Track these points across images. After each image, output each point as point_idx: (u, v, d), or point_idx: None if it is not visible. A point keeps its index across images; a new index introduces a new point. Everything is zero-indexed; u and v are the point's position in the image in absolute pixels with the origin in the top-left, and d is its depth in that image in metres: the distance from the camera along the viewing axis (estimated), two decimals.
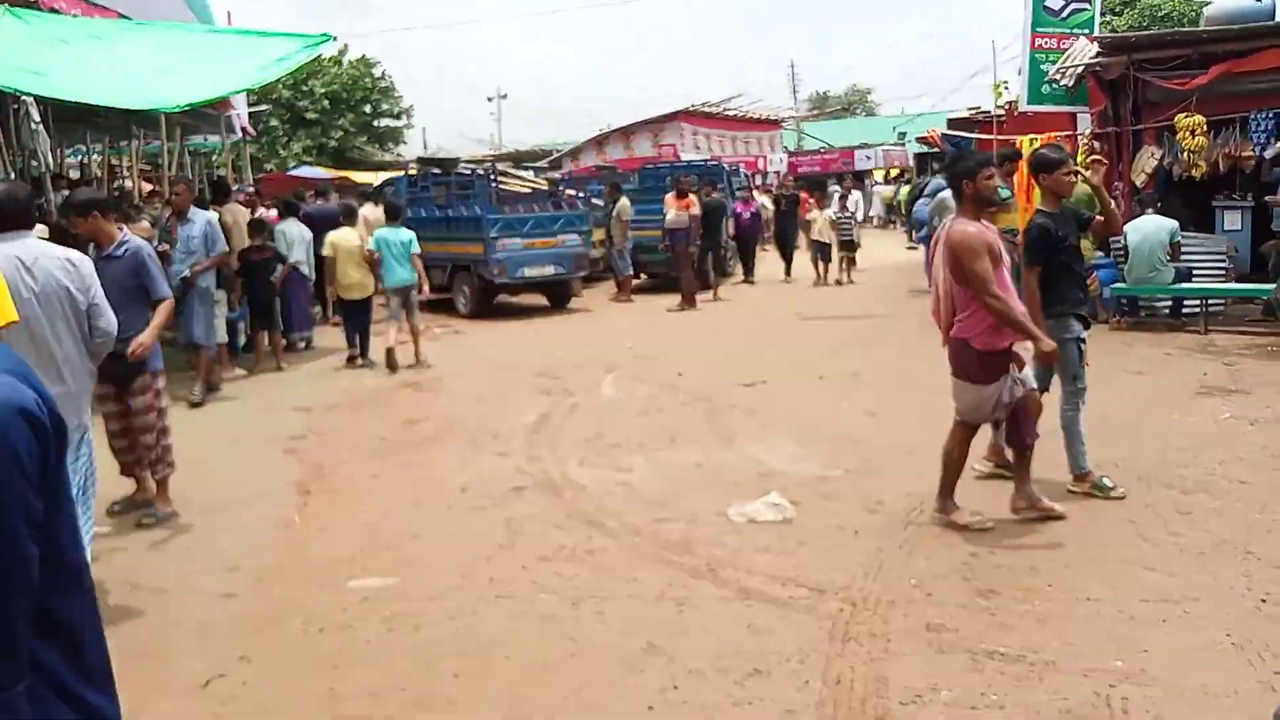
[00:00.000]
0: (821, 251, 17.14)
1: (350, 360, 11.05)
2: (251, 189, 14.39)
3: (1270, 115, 10.80)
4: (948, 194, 15.76)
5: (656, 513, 5.70)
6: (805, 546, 5.09)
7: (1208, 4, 12.72)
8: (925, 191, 16.38)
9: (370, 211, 13.35)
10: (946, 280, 5.24)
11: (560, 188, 18.67)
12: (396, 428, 7.99)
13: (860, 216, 21.78)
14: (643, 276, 18.17)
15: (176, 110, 11.19)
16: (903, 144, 36.40)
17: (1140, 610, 4.18)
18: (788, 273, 18.37)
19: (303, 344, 12.28)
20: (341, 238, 11.15)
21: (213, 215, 9.19)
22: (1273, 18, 11.46)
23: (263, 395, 9.52)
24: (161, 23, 12.53)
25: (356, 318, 11.19)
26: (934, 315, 5.48)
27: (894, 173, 35.82)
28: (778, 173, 37.11)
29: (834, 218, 17.08)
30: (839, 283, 17.12)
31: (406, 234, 10.95)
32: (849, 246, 17.39)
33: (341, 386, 9.79)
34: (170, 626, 4.48)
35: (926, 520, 5.36)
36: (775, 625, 4.19)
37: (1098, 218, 5.92)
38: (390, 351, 10.38)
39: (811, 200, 19.94)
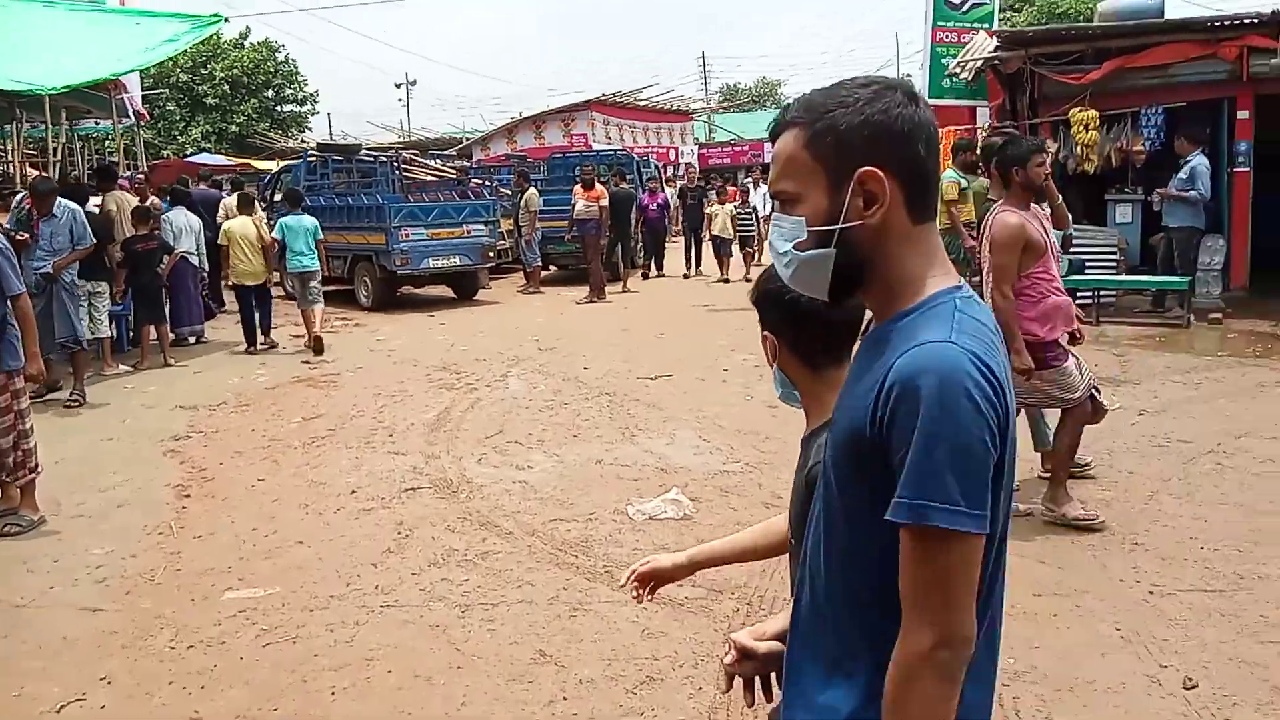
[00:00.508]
0: (723, 247, 16.78)
1: (249, 348, 11.16)
2: (141, 176, 13.72)
3: (1160, 110, 11.11)
4: None
5: (554, 512, 5.55)
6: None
7: (1102, 1, 13.01)
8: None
9: (233, 200, 12.96)
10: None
11: (469, 176, 18.31)
12: (287, 426, 7.67)
13: (765, 211, 21.36)
14: (552, 268, 17.98)
15: (55, 92, 10.64)
16: None
17: (1033, 605, 4.19)
18: (694, 266, 18.02)
19: (193, 339, 11.80)
20: (237, 225, 11.34)
21: (77, 207, 8.68)
22: (1162, 15, 11.79)
23: (146, 392, 9.07)
24: (43, 0, 11.89)
25: (253, 304, 11.31)
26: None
27: None
28: (688, 165, 37.24)
29: (735, 213, 16.75)
30: (746, 279, 16.17)
31: (310, 221, 11.42)
32: (749, 242, 17.00)
33: (231, 383, 9.38)
34: (27, 645, 4.17)
35: None
36: (670, 628, 4.09)
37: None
38: (319, 339, 10.73)
39: (713, 194, 19.27)
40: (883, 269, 1.39)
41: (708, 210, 17.64)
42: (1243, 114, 10.85)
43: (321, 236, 11.41)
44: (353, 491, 6.03)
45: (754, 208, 17.54)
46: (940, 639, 1.28)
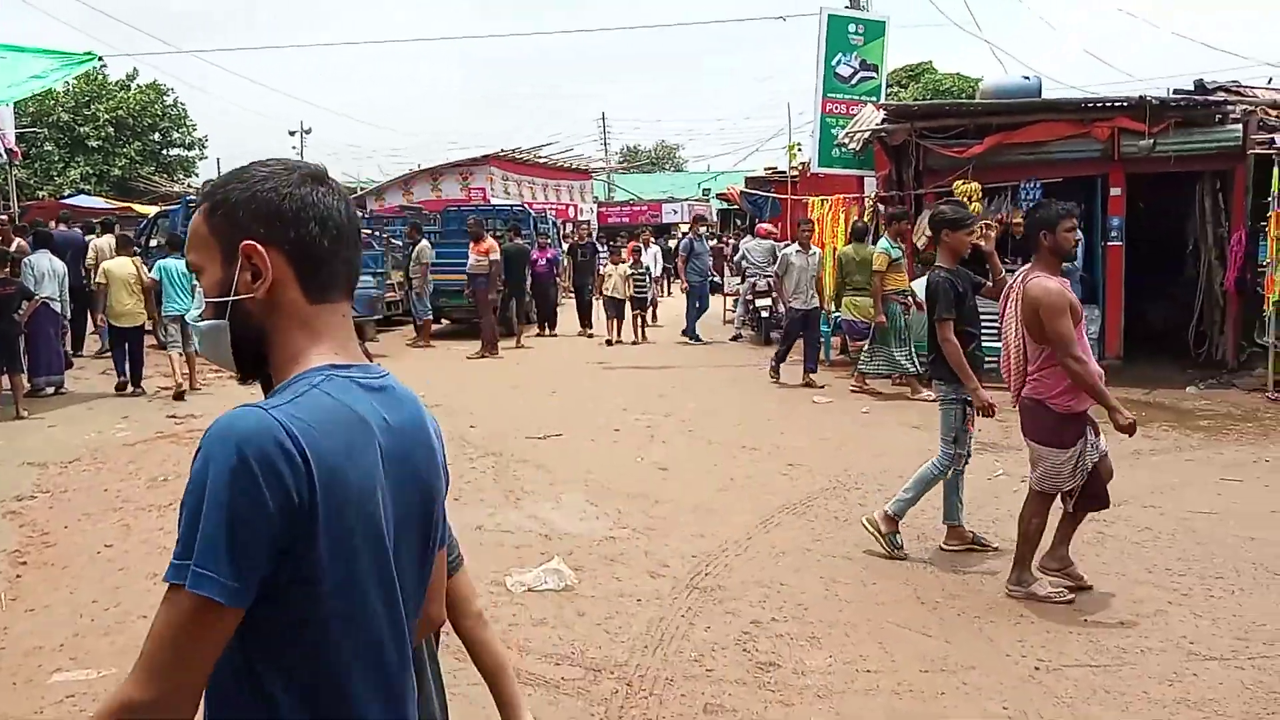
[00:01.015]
0: (615, 308, 16.19)
1: (120, 388, 11.10)
2: (4, 218, 12.93)
3: (1038, 185, 11.51)
4: (750, 244, 16.28)
5: None
6: (584, 618, 4.76)
7: (983, 80, 13.55)
8: (682, 248, 17.52)
9: (104, 241, 12.87)
10: (1019, 336, 4.97)
11: (363, 226, 17.87)
12: (142, 487, 7.15)
13: (657, 272, 20.68)
14: (444, 322, 17.62)
15: None
16: (707, 199, 37.38)
17: (918, 681, 4.07)
18: (584, 325, 17.61)
19: (51, 389, 11.05)
20: (116, 266, 11.23)
21: None
22: (1039, 94, 12.31)
23: None
24: None
25: (126, 345, 11.25)
26: (1004, 373, 5.21)
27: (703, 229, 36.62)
28: (582, 222, 37.38)
29: (628, 273, 16.22)
30: (635, 342, 16.04)
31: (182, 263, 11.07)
32: (641, 304, 16.57)
33: (86, 439, 8.75)
34: None
35: (710, 585, 5.14)
36: (543, 712, 3.81)
37: (988, 284, 5.74)
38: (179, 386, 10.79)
39: (604, 253, 18.78)
40: (275, 345, 1.42)
41: (602, 270, 17.14)
42: (1115, 191, 11.35)
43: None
44: None
45: (646, 268, 17.23)
46: (141, 698, 1.26)
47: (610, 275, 16.26)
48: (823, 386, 11.22)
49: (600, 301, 16.57)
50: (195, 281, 1.49)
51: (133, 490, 7.09)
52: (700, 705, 3.87)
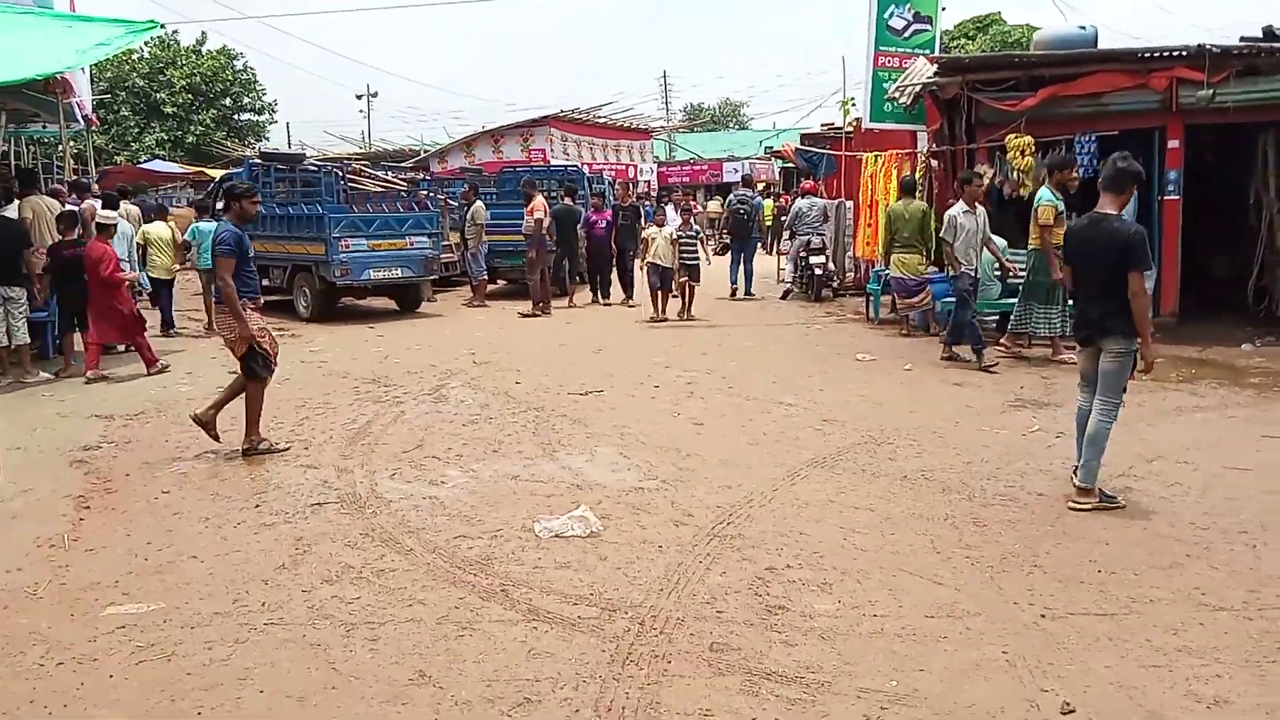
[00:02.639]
0: (660, 277, 14.01)
1: (165, 331, 13.08)
2: (68, 183, 13.49)
3: (1093, 138, 11.26)
4: (802, 203, 16.24)
5: (460, 529, 5.46)
6: (605, 562, 4.94)
7: (1038, 31, 13.22)
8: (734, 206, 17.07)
9: (128, 209, 14.51)
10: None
11: (420, 188, 18.15)
12: (201, 437, 7.49)
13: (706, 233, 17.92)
14: (499, 282, 17.89)
15: None
16: (768, 158, 37.05)
17: (923, 626, 4.17)
18: (626, 294, 16.25)
19: (121, 347, 11.53)
20: (154, 229, 13.35)
21: None
22: (1095, 45, 11.99)
23: (64, 401, 8.86)
24: None
25: (162, 293, 13.54)
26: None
27: (760, 185, 36.37)
28: (628, 182, 37.33)
29: (675, 236, 14.05)
30: (689, 317, 13.99)
31: (207, 225, 13.05)
32: (692, 273, 14.27)
33: (151, 394, 9.18)
34: None
35: (730, 534, 5.28)
36: (557, 648, 4.01)
37: None
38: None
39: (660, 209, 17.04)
40: None
41: (644, 233, 14.79)
42: (1173, 143, 11.05)
43: None
44: (257, 505, 5.90)
45: (697, 230, 15.19)
46: None
47: (654, 239, 14.02)
48: (994, 365, 9.77)
49: (644, 270, 14.44)
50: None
51: (192, 441, 7.45)
52: (707, 644, 4.02)
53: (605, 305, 16.06)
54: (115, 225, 11.08)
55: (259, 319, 7.14)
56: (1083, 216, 6.09)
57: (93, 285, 9.95)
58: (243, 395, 7.11)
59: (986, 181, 11.60)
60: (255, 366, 7.03)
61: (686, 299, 14.16)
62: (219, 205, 16.78)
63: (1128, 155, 5.85)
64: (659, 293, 14.07)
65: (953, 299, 11.26)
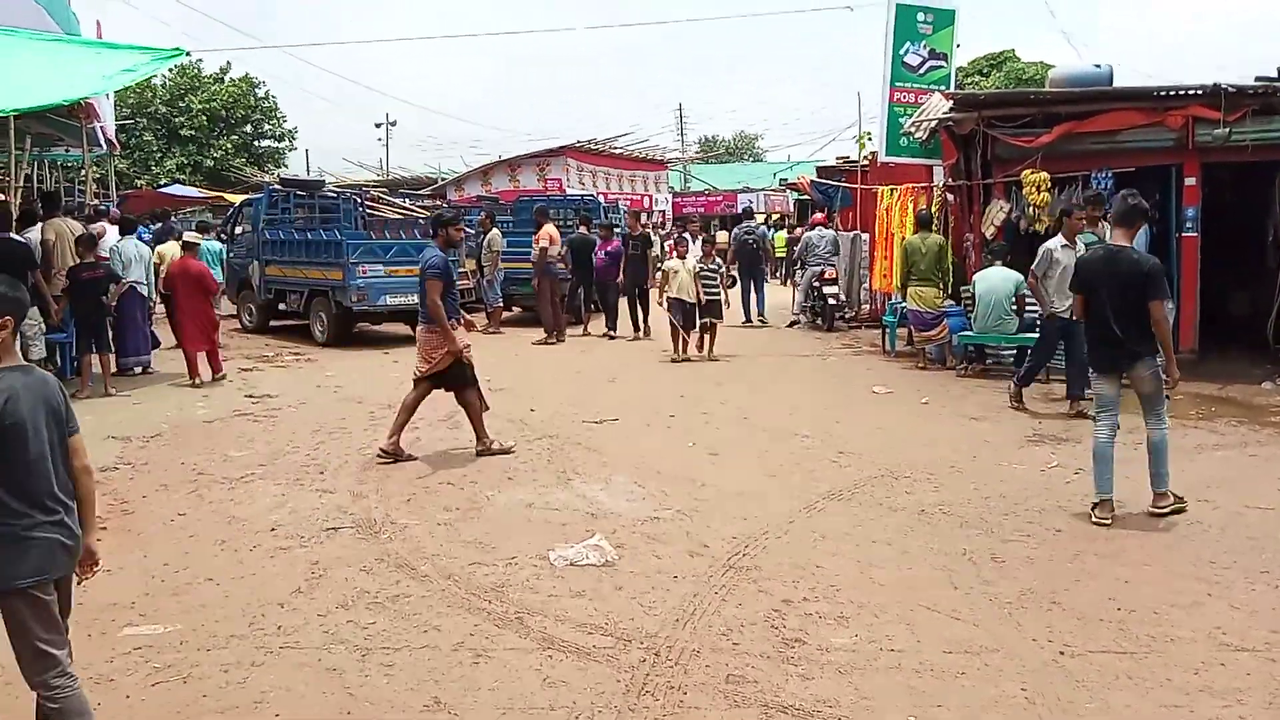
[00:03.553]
0: (682, 314, 12.81)
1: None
2: (88, 204, 13.70)
3: (1109, 174, 11.27)
4: (812, 234, 16.35)
5: (475, 555, 5.45)
6: (621, 592, 4.92)
7: (1053, 69, 13.29)
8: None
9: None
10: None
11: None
12: (217, 460, 7.54)
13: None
14: (515, 309, 17.95)
15: (4, 114, 10.52)
16: (783, 190, 37.19)
17: (941, 661, 4.14)
18: (635, 329, 15.45)
19: (138, 369, 11.63)
20: (167, 249, 13.21)
21: None
22: (1110, 83, 12.04)
23: (81, 422, 8.87)
24: (2, 28, 11.83)
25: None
26: None
27: (775, 217, 36.50)
28: (663, 212, 37.48)
29: (698, 269, 12.98)
30: (710, 357, 12.92)
31: (216, 245, 15.13)
32: (714, 309, 13.06)
33: (168, 415, 9.23)
34: None
35: (746, 565, 5.26)
36: (572, 677, 3.99)
37: None
38: None
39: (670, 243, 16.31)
40: None
41: (664, 265, 13.70)
42: (1190, 180, 11.05)
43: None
44: (272, 529, 5.91)
45: (719, 264, 13.85)
46: None
47: (676, 272, 12.89)
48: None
49: (664, 305, 13.04)
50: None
51: (208, 464, 7.48)
52: (723, 675, 4.00)
53: (612, 338, 15.40)
54: (199, 244, 12.55)
55: (464, 335, 7.86)
56: (1097, 248, 6.44)
57: (193, 298, 11.24)
58: (402, 407, 7.81)
59: (1003, 215, 11.64)
60: (468, 376, 7.74)
61: (710, 338, 13.05)
62: (238, 230, 17.00)
63: (1135, 193, 6.28)
64: (678, 332, 12.80)
65: (968, 332, 11.27)
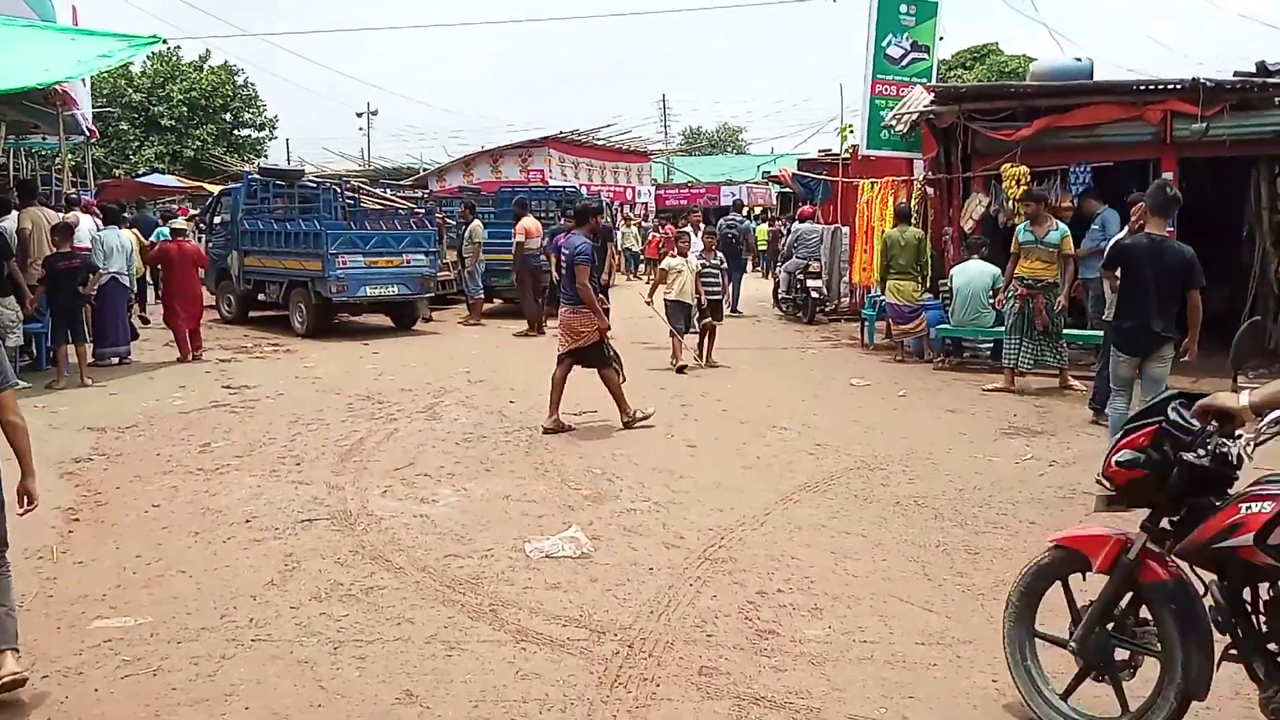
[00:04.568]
0: (683, 317, 11.51)
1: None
2: (71, 195, 13.55)
3: (1088, 169, 11.33)
4: (801, 227, 16.39)
5: (450, 548, 5.44)
6: (596, 584, 4.92)
7: (1034, 62, 13.34)
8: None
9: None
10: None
11: (419, 207, 18.18)
12: (192, 451, 7.49)
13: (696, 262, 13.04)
14: (495, 301, 17.90)
15: None
16: (765, 183, 37.22)
17: (913, 653, 4.16)
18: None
19: (116, 359, 11.53)
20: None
21: None
22: (1091, 77, 12.10)
23: (57, 413, 8.82)
24: None
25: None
26: None
27: (757, 210, 36.53)
28: (645, 204, 37.44)
29: (700, 267, 11.80)
30: (709, 363, 11.76)
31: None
32: (715, 310, 12.00)
33: (144, 406, 9.16)
34: None
35: (722, 557, 5.27)
36: (545, 670, 3.99)
37: None
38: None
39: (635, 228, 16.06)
40: None
41: (664, 264, 12.04)
42: (1167, 175, 11.08)
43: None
44: (247, 521, 5.88)
45: (720, 260, 12.76)
46: None
47: (679, 271, 11.48)
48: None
49: (663, 309, 11.63)
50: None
51: (183, 455, 7.44)
52: (696, 667, 4.00)
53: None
54: (187, 230, 13.37)
55: (604, 317, 8.53)
56: (1139, 236, 6.84)
57: (187, 278, 12.10)
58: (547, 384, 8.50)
59: (982, 209, 11.70)
60: (607, 355, 8.46)
61: (708, 341, 11.86)
62: (216, 219, 16.88)
63: (1170, 182, 6.95)
64: (678, 338, 11.42)
65: (946, 325, 11.31)
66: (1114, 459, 3.26)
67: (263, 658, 4.09)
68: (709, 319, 11.87)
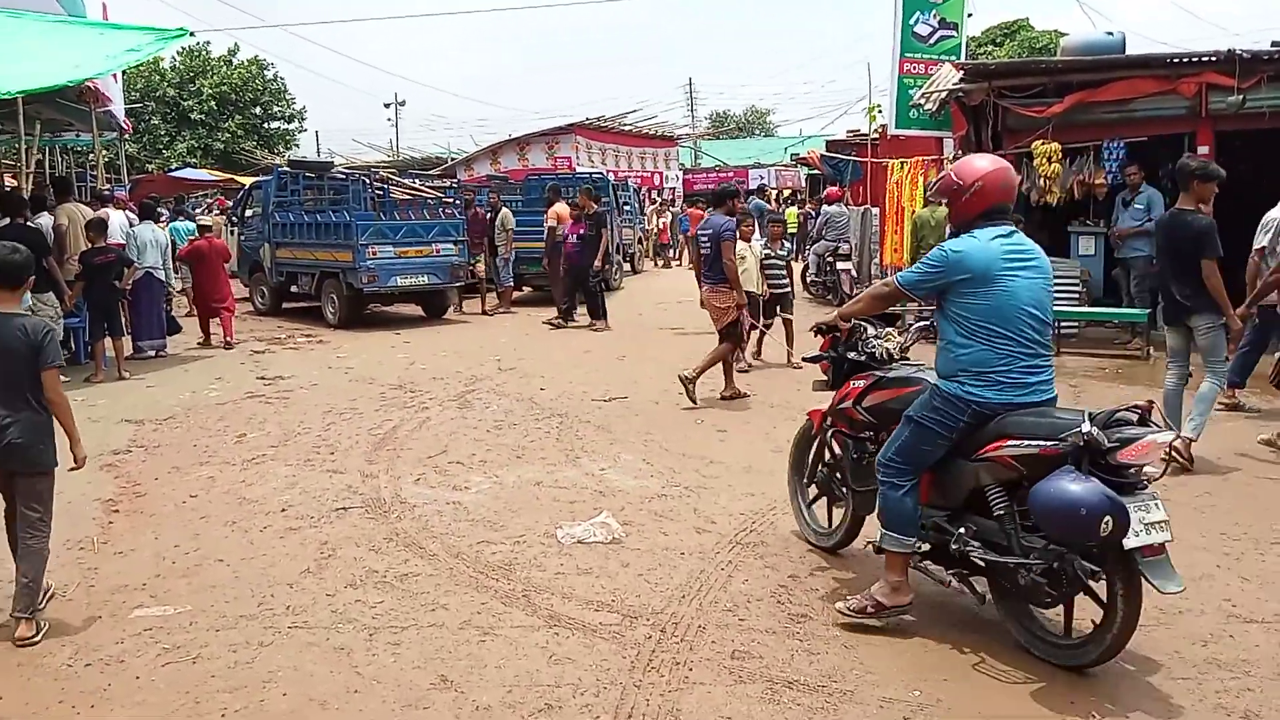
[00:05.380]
0: (751, 309, 9.99)
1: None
2: (108, 190, 13.72)
3: (1121, 144, 11.16)
4: (832, 209, 16.28)
5: (483, 534, 5.48)
6: (628, 569, 4.94)
7: (1065, 37, 13.12)
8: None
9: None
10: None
11: (447, 196, 18.22)
12: (228, 442, 7.58)
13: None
14: (525, 289, 17.94)
15: (9, 96, 10.52)
16: (794, 165, 36.98)
17: (949, 635, 4.14)
18: (594, 318, 14.10)
19: (153, 352, 11.70)
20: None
21: None
22: (1123, 51, 11.89)
23: (95, 406, 8.95)
24: (7, 10, 11.84)
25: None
26: None
27: (786, 192, 36.32)
28: (673, 189, 37.34)
29: (764, 256, 10.89)
30: (790, 363, 10.60)
31: (187, 226, 15.85)
32: (785, 303, 11.08)
33: (181, 398, 9.28)
34: None
35: (753, 541, 5.26)
36: (578, 654, 4.01)
37: None
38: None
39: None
40: None
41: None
42: (1202, 149, 10.90)
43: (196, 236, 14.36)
44: (283, 510, 5.94)
45: (788, 249, 12.03)
46: None
47: (742, 257, 9.81)
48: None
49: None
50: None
51: (220, 446, 7.53)
52: (729, 651, 4.01)
53: (595, 329, 13.87)
54: (214, 226, 14.40)
55: (743, 293, 9.11)
56: (1167, 212, 7.05)
57: (218, 273, 12.97)
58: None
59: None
60: (734, 331, 8.99)
61: (786, 338, 10.86)
62: (248, 213, 17.03)
63: (1193, 155, 7.26)
64: (748, 330, 10.08)
65: None
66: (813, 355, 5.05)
67: (299, 645, 4.15)
68: (778, 313, 11.00)
